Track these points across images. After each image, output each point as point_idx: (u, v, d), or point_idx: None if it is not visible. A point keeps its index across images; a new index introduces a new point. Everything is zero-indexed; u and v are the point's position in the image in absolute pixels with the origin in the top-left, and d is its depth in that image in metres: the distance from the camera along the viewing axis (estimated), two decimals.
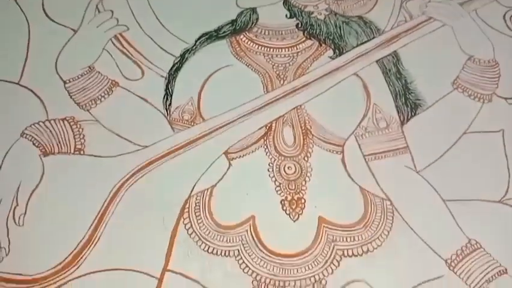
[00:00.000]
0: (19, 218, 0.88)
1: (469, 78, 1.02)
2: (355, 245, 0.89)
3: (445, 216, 0.91)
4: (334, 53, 1.05)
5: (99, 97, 0.98)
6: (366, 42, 1.06)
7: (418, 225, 0.90)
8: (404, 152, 0.96)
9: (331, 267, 0.87)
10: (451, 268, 0.87)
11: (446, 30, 1.08)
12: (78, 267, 0.85)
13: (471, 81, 1.02)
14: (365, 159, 0.95)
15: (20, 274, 0.85)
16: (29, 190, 0.90)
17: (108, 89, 0.99)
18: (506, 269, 0.87)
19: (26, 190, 0.90)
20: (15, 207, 0.89)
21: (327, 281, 0.86)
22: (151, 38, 1.05)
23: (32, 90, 1.00)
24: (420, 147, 0.97)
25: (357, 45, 1.06)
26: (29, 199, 0.90)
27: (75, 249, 0.87)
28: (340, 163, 0.95)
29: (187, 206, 0.91)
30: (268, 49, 1.05)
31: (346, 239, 0.89)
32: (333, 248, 0.88)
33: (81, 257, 0.86)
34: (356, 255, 0.88)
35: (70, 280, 0.85)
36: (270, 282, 0.86)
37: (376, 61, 1.04)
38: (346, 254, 0.88)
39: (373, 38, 1.07)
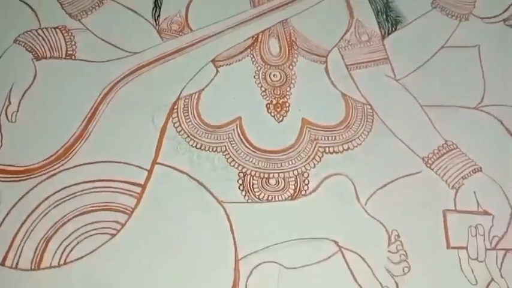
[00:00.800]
0: (11, 115, 0.92)
1: None
2: (336, 143, 0.94)
3: (423, 119, 0.96)
4: None
5: (90, 8, 1.02)
6: None
7: (396, 127, 0.96)
8: (385, 63, 1.02)
9: (313, 162, 0.92)
10: (428, 165, 0.93)
11: None
12: (69, 159, 0.89)
13: (449, 1, 1.08)
14: (347, 68, 1.00)
15: (12, 165, 0.89)
16: (21, 90, 0.94)
17: (98, 1, 1.03)
18: (481, 168, 0.92)
19: (19, 90, 0.94)
20: (7, 106, 0.93)
21: (309, 173, 0.91)
22: None
23: (24, 1, 1.03)
24: (400, 59, 1.02)
25: None
26: (21, 98, 0.94)
27: (66, 143, 0.91)
28: (324, 72, 1.00)
29: (175, 107, 0.95)
30: None
31: (328, 138, 0.94)
32: (315, 145, 0.94)
33: (73, 150, 0.90)
34: (337, 152, 0.93)
35: (61, 171, 0.89)
36: (255, 174, 0.91)
37: None
38: (327, 151, 0.93)
39: None
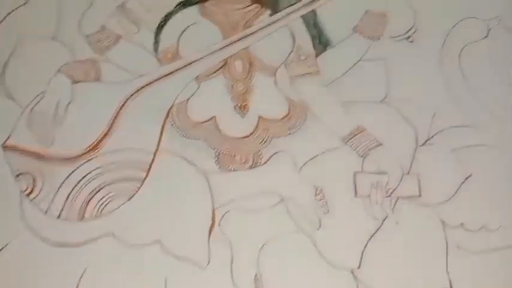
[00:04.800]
0: (60, 121, 1.49)
1: (365, 25, 1.63)
2: (281, 131, 1.49)
3: (340, 111, 1.51)
4: (271, 12, 1.65)
5: (110, 46, 1.59)
6: (294, 4, 1.67)
7: (324, 117, 1.50)
8: (317, 74, 1.57)
9: (265, 144, 1.47)
10: (345, 142, 1.47)
11: None
12: (100, 149, 1.46)
13: (366, 26, 1.63)
14: (290, 79, 1.55)
15: (67, 151, 1.46)
16: (65, 104, 1.51)
17: (115, 40, 1.60)
18: (381, 144, 1.46)
19: (63, 104, 1.51)
20: (57, 115, 1.50)
21: (262, 152, 1.46)
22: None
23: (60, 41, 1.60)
24: (328, 71, 1.57)
25: (288, 6, 1.66)
26: (65, 110, 1.51)
27: (98, 138, 1.47)
28: (273, 83, 1.56)
29: (171, 111, 1.51)
30: (226, 10, 1.65)
31: (275, 127, 1.49)
32: (267, 133, 1.49)
33: (102, 143, 1.46)
34: (282, 136, 1.48)
35: (96, 157, 1.45)
36: (226, 153, 1.46)
37: (301, 16, 1.65)
38: (275, 136, 1.48)
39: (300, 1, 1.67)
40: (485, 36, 1.62)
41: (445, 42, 1.61)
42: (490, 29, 1.63)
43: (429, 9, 1.65)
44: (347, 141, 1.47)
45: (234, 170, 1.45)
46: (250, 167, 1.45)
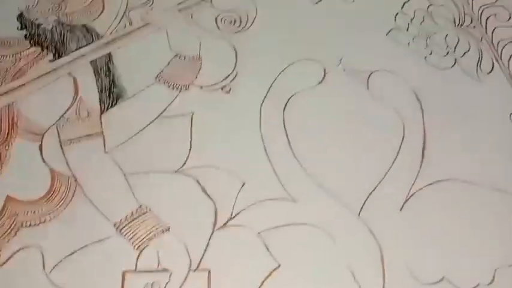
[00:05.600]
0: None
1: (172, 72, 1.27)
2: (34, 216, 1.09)
3: (122, 186, 1.12)
4: (54, 57, 1.28)
5: None
6: (84, 46, 1.30)
7: (96, 197, 1.11)
8: (98, 136, 1.18)
9: (8, 237, 1.07)
10: (118, 230, 1.08)
11: (161, 33, 1.34)
12: None
13: (173, 73, 1.26)
14: (61, 144, 1.17)
15: None
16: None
17: None
18: (169, 228, 1.07)
19: None
20: None
21: (1, 248, 1.06)
22: None
23: None
24: (114, 131, 1.19)
25: (75, 49, 1.30)
26: None
27: None
28: (38, 150, 1.17)
29: None
30: None
31: (28, 212, 1.09)
32: (14, 220, 1.09)
33: None
34: (33, 225, 1.08)
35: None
36: None
37: (91, 61, 1.28)
38: (24, 225, 1.08)
39: (92, 42, 1.31)
40: (320, 82, 1.27)
41: (269, 91, 1.25)
42: (327, 73, 1.28)
43: (254, 49, 1.29)
44: (122, 228, 1.08)
45: None
46: None
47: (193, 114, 1.23)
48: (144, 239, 1.07)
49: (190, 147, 1.19)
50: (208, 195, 1.13)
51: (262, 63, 1.30)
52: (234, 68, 1.29)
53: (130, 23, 1.36)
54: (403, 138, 1.20)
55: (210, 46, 1.32)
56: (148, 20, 1.36)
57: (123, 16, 1.38)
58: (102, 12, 1.38)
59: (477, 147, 1.18)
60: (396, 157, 1.18)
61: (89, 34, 1.34)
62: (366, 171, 1.16)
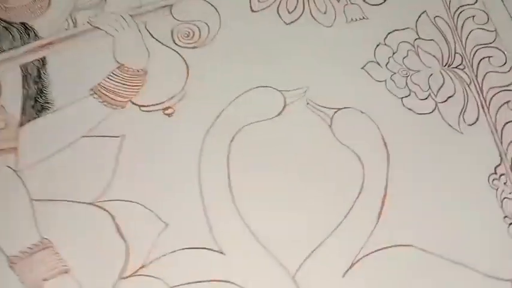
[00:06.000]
0: None
1: (110, 85, 1.11)
2: None
3: (25, 213, 0.97)
4: None
5: None
6: (17, 47, 1.16)
7: None
8: (11, 152, 1.03)
9: None
10: (11, 266, 0.92)
11: (107, 40, 1.18)
12: None
13: (111, 88, 1.11)
14: None
15: None
16: None
17: None
18: (68, 270, 0.92)
19: None
20: None
21: None
22: None
23: None
24: (32, 147, 1.04)
25: (6, 50, 1.15)
26: None
27: None
28: None
29: None
30: None
31: None
32: None
33: None
34: None
35: None
36: None
37: (21, 65, 1.13)
38: None
39: (27, 43, 1.16)
40: (278, 114, 1.11)
41: (218, 119, 1.09)
42: (287, 105, 1.11)
43: (209, 68, 1.14)
44: (15, 265, 0.92)
45: None
46: None
47: (124, 137, 1.07)
48: (38, 280, 0.91)
49: (113, 175, 1.02)
50: (122, 236, 0.96)
51: (215, 85, 1.14)
52: (183, 88, 1.13)
53: (75, 25, 1.21)
54: (360, 192, 1.03)
55: (160, 60, 1.17)
56: (96, 24, 1.21)
57: (69, 16, 1.22)
58: (47, 9, 1.23)
59: (444, 213, 1.01)
60: (348, 212, 1.00)
61: (26, 34, 1.19)
62: (312, 226, 1.00)
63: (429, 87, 1.14)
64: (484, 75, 1.15)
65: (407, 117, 1.11)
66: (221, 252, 0.97)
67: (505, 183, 1.03)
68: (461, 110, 1.11)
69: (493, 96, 1.13)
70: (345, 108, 1.12)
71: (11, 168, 1.02)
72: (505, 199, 1.01)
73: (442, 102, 1.12)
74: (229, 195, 1.02)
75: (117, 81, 1.13)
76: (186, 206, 1.00)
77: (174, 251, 0.96)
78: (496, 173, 1.04)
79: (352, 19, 1.23)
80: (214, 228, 0.99)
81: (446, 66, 1.17)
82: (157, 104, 1.11)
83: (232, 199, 1.02)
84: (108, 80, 1.13)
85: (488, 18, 1.23)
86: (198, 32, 1.21)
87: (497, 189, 1.02)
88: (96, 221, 0.98)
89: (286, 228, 0.99)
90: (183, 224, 0.99)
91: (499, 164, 1.05)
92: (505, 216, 1.00)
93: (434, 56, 1.19)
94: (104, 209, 0.99)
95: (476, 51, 1.19)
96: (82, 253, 0.95)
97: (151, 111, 1.11)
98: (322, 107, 1.11)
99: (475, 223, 1.01)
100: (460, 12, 1.24)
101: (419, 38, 1.21)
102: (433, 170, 1.05)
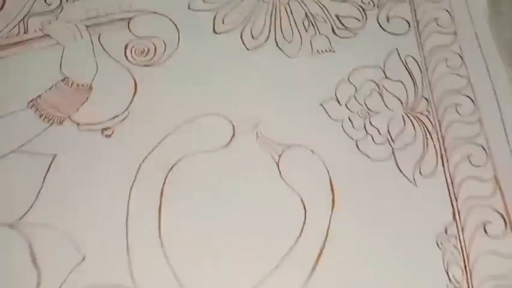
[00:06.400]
0: None
1: (51, 98, 1.05)
2: None
3: None
4: None
5: None
6: None
7: None
8: None
9: None
10: None
11: (57, 50, 1.13)
12: None
13: (51, 101, 1.05)
14: None
15: None
16: None
17: None
18: None
19: None
20: None
21: None
22: None
23: None
24: None
25: None
26: None
27: None
28: None
29: None
30: None
31: None
32: None
33: None
34: None
35: None
36: None
37: None
38: None
39: None
40: (224, 146, 1.05)
41: (158, 146, 1.03)
42: (235, 136, 1.05)
43: (158, 89, 1.08)
44: None
45: None
46: None
47: (55, 157, 1.00)
48: None
49: (37, 197, 0.96)
50: (36, 264, 0.90)
51: (162, 108, 1.08)
52: (127, 108, 1.07)
53: (26, 31, 1.15)
54: (297, 239, 0.96)
55: (108, 76, 1.10)
56: (48, 31, 1.15)
57: (21, 21, 1.16)
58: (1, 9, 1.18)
59: (386, 273, 0.94)
60: (280, 262, 0.93)
61: None
62: (240, 274, 0.93)
63: (388, 131, 1.07)
64: (449, 124, 1.08)
65: (360, 162, 1.04)
66: None
67: (454, 246, 0.95)
68: (419, 161, 1.04)
69: (455, 148, 1.05)
70: (295, 145, 1.05)
71: None
72: (452, 263, 0.94)
73: (400, 149, 1.05)
74: (157, 231, 0.95)
75: (58, 95, 1.07)
76: (107, 239, 0.94)
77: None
78: (446, 233, 0.97)
79: (318, 51, 1.16)
80: (134, 266, 0.92)
81: (410, 111, 1.10)
82: (97, 124, 1.05)
83: (159, 234, 0.95)
84: (49, 92, 1.07)
85: (462, 63, 1.15)
86: (153, 50, 1.15)
87: (444, 252, 0.95)
88: (12, 246, 0.92)
89: (212, 274, 0.93)
90: (100, 258, 0.92)
91: (451, 224, 0.98)
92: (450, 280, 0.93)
93: (399, 98, 1.12)
94: (23, 234, 0.93)
95: (445, 95, 1.12)
96: None
97: (89, 130, 1.04)
98: (272, 141, 1.04)
99: (417, 286, 0.93)
100: (434, 53, 1.17)
101: (386, 77, 1.14)
102: (380, 224, 0.98)
